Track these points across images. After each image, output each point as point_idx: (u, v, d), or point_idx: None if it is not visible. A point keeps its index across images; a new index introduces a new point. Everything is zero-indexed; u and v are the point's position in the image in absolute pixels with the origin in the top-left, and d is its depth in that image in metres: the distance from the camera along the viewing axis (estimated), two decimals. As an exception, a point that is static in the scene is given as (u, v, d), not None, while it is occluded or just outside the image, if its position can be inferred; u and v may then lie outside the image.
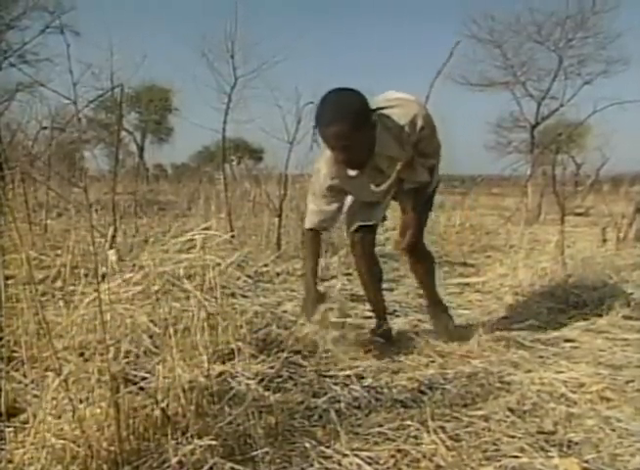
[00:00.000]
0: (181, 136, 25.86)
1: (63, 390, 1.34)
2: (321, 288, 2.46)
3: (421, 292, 3.60)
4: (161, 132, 25.35)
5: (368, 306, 2.75)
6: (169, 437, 1.41)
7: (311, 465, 1.49)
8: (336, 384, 2.05)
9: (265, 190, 5.45)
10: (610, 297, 3.37)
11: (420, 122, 2.11)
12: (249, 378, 1.89)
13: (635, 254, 4.91)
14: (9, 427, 1.45)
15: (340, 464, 1.50)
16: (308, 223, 2.37)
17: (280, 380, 2.02)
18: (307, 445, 1.57)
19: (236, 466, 1.41)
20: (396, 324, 2.82)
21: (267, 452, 1.50)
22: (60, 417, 1.37)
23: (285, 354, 2.10)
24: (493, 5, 24.71)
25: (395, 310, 3.09)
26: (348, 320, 2.81)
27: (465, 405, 1.88)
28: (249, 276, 3.59)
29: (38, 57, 17.60)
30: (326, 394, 1.94)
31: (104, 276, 1.42)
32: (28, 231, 3.67)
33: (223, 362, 2.02)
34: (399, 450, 1.56)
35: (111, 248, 2.17)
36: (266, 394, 1.83)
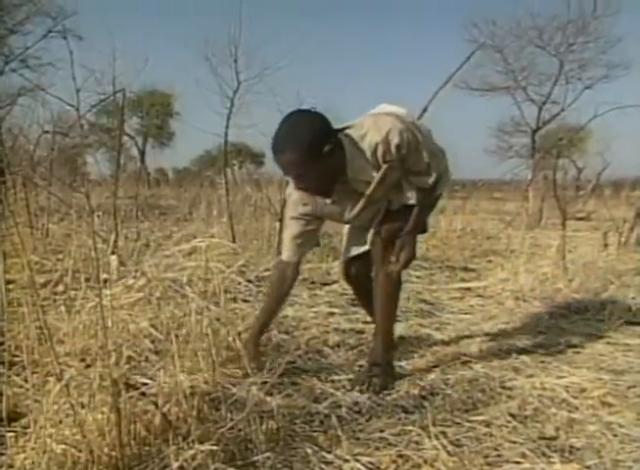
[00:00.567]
0: (182, 140, 25.94)
1: (64, 395, 1.34)
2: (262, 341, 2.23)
3: (422, 296, 3.63)
4: (163, 136, 25.43)
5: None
6: (171, 442, 1.41)
7: (312, 470, 1.49)
8: (337, 389, 2.05)
9: (267, 194, 5.45)
10: (611, 302, 3.37)
11: (396, 139, 1.91)
12: (250, 383, 1.89)
13: (637, 258, 4.90)
14: (10, 432, 1.45)
15: (341, 469, 1.49)
16: (284, 254, 2.21)
17: (281, 385, 2.01)
18: (309, 450, 1.56)
19: (237, 471, 1.41)
20: (397, 329, 2.81)
21: (268, 458, 1.50)
22: (61, 422, 1.37)
23: (286, 359, 2.09)
24: (494, 9, 24.76)
25: (397, 315, 3.07)
26: (349, 325, 2.82)
27: (466, 411, 1.88)
28: (250, 281, 3.59)
29: (41, 61, 17.65)
30: (327, 399, 1.94)
31: (106, 282, 1.42)
32: (30, 236, 3.67)
33: (225, 368, 2.02)
34: (401, 456, 1.56)
35: (112, 253, 2.17)
36: (268, 399, 1.83)
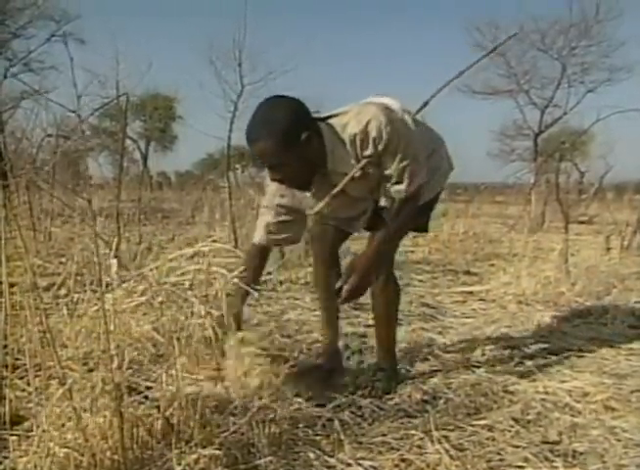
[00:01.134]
0: (185, 144, 25.99)
1: (66, 398, 1.34)
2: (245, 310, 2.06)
3: (424, 299, 3.63)
4: (166, 140, 25.47)
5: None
6: (173, 446, 1.41)
7: (315, 475, 1.48)
8: (340, 393, 2.04)
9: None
10: (614, 305, 3.36)
11: (373, 132, 1.72)
12: (254, 388, 1.88)
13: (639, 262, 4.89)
14: (12, 435, 1.45)
15: (343, 474, 1.49)
16: (256, 237, 2.08)
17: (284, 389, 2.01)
18: (311, 454, 1.56)
19: (239, 476, 1.41)
20: (399, 333, 2.81)
21: (271, 462, 1.50)
22: (63, 426, 1.37)
23: (289, 364, 2.09)
24: (497, 13, 24.76)
25: (399, 319, 3.07)
26: (351, 329, 2.82)
27: (469, 415, 1.88)
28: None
29: (43, 65, 17.72)
30: (330, 403, 1.94)
31: (107, 285, 1.43)
32: (32, 239, 3.68)
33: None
34: (403, 460, 1.56)
35: (115, 257, 2.17)
36: (270, 403, 1.82)
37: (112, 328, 1.36)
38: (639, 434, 1.75)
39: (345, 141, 1.78)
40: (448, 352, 2.52)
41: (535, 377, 2.22)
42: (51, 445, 1.33)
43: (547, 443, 1.69)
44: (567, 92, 17.73)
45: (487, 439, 1.70)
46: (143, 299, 1.47)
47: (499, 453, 1.61)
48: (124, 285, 1.52)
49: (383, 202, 1.94)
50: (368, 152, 1.76)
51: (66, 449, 1.33)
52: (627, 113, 5.76)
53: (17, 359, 1.79)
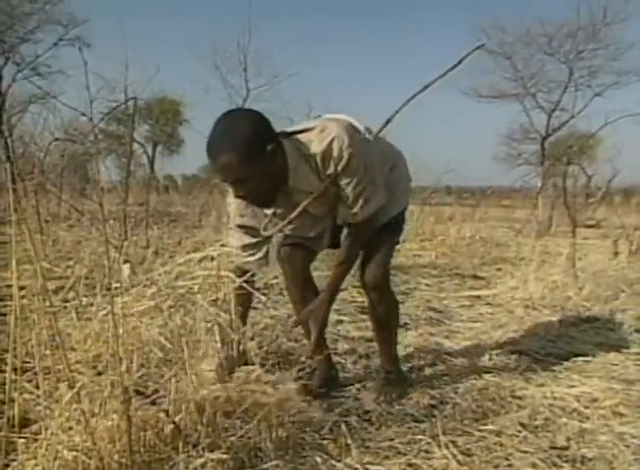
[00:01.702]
0: (191, 147, 26.06)
1: (75, 402, 1.35)
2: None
3: (431, 303, 3.62)
4: (172, 144, 25.58)
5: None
6: (180, 450, 1.42)
7: (322, 479, 1.48)
8: (347, 397, 2.04)
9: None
10: (622, 310, 3.35)
11: (335, 152, 1.69)
12: (261, 392, 1.88)
13: (647, 266, 4.87)
14: (21, 438, 1.46)
15: (350, 478, 1.49)
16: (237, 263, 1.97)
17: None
18: (318, 458, 1.56)
19: (247, 480, 1.41)
20: (406, 337, 2.81)
21: (278, 466, 1.50)
22: (71, 429, 1.38)
23: (297, 367, 2.09)
24: (503, 16, 24.72)
25: (406, 323, 3.08)
26: (358, 333, 2.82)
27: (476, 420, 1.87)
28: (258, 288, 3.59)
29: (51, 69, 17.85)
30: (337, 407, 1.94)
31: (117, 289, 1.44)
32: (40, 242, 3.69)
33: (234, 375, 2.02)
34: (410, 465, 1.56)
35: (125, 261, 2.18)
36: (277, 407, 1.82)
37: (120, 332, 1.37)
38: (648, 440, 1.74)
39: (309, 158, 1.74)
40: (455, 357, 2.52)
41: (543, 382, 2.21)
42: (59, 448, 1.33)
43: (555, 448, 1.69)
44: (574, 96, 17.68)
45: (495, 444, 1.70)
46: (152, 303, 1.47)
47: (507, 459, 1.61)
48: (134, 290, 1.53)
49: (339, 221, 1.91)
50: (329, 171, 1.73)
51: (74, 453, 1.34)
52: (635, 116, 5.75)
53: (25, 362, 1.80)
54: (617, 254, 5.22)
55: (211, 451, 1.42)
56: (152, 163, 23.70)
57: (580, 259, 4.54)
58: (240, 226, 1.96)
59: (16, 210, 1.24)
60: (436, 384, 2.20)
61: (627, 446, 1.70)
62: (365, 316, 3.06)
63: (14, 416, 1.55)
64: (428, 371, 2.36)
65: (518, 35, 17.79)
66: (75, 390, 1.33)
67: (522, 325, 3.10)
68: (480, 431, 1.77)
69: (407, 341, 2.75)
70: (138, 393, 1.44)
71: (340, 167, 1.71)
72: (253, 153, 1.62)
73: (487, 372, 2.32)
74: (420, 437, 1.70)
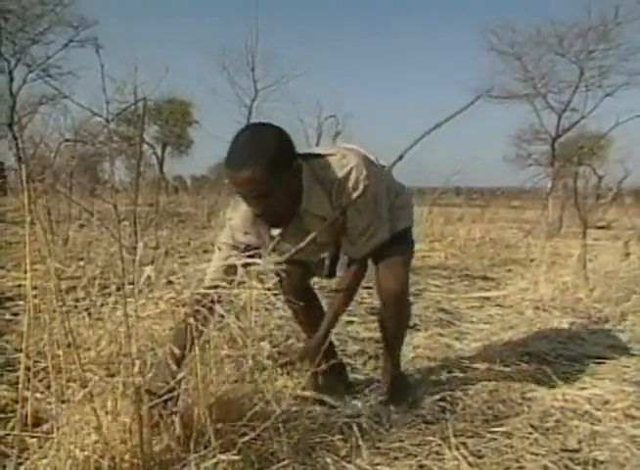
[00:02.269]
0: (201, 148, 26.17)
1: (87, 401, 1.35)
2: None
3: (441, 305, 3.62)
4: (181, 144, 25.68)
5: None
6: (192, 450, 1.42)
7: (333, 480, 1.48)
8: (357, 398, 2.04)
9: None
10: (633, 312, 3.33)
11: (351, 182, 1.69)
12: (273, 393, 1.88)
13: (659, 268, 4.84)
14: (33, 437, 1.47)
15: (361, 480, 1.49)
16: (207, 282, 1.72)
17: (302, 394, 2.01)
18: (329, 459, 1.56)
19: (257, 480, 1.41)
20: (416, 339, 2.81)
21: (289, 467, 1.50)
22: (83, 429, 1.38)
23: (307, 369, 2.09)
24: (514, 17, 24.65)
25: (416, 324, 3.07)
26: (368, 334, 2.81)
27: (487, 421, 1.86)
28: (268, 289, 3.59)
29: (61, 70, 17.98)
30: (347, 408, 1.93)
31: (133, 291, 1.44)
32: (51, 242, 3.71)
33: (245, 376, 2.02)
34: (421, 466, 1.56)
35: (150, 263, 2.19)
36: (288, 408, 1.83)
37: (134, 333, 1.38)
38: (660, 443, 1.73)
39: (324, 183, 1.71)
40: (465, 359, 2.51)
41: (554, 384, 2.20)
42: (71, 447, 1.34)
43: (566, 451, 1.68)
44: (584, 96, 17.66)
45: (506, 446, 1.69)
46: (166, 306, 1.47)
47: (518, 461, 1.60)
48: (151, 294, 1.53)
49: (342, 252, 1.90)
50: (342, 199, 1.71)
51: (85, 452, 1.34)
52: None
53: (37, 362, 1.81)
54: (628, 255, 5.19)
55: (223, 452, 1.42)
56: (161, 163, 23.80)
57: (591, 261, 4.52)
58: (239, 242, 1.83)
59: (30, 210, 1.24)
60: (447, 385, 2.19)
61: (639, 449, 1.69)
62: (374, 317, 3.05)
63: (26, 415, 1.56)
64: (438, 373, 2.35)
65: (528, 35, 17.80)
66: (87, 389, 1.34)
67: (532, 327, 3.09)
68: (490, 433, 1.77)
69: (417, 342, 2.74)
70: (150, 393, 1.44)
71: (353, 197, 1.70)
72: (278, 168, 1.57)
73: (498, 374, 2.31)
74: (430, 438, 1.70)
